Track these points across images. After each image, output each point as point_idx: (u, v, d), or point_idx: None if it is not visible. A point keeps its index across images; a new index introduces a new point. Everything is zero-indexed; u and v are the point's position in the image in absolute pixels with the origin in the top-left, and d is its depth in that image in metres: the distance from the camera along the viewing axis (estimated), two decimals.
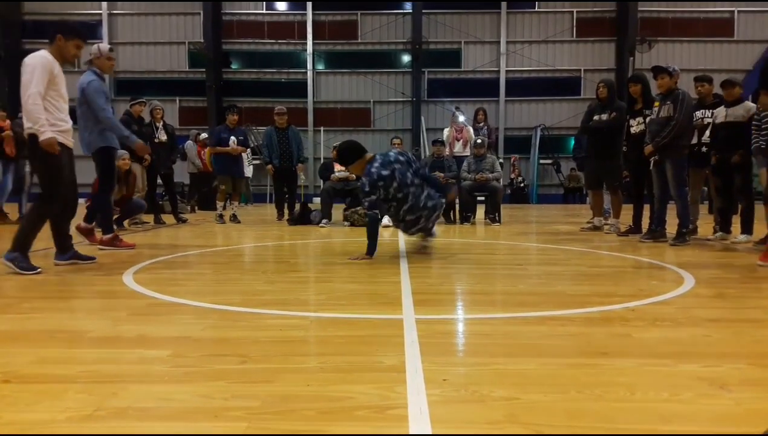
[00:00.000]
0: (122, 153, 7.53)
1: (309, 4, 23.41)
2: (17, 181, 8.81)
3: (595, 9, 23.15)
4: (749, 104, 5.90)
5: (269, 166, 9.30)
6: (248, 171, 14.24)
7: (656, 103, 5.91)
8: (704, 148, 6.25)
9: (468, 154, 9.37)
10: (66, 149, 4.08)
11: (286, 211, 9.46)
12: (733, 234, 6.13)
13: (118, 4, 23.62)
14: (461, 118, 9.73)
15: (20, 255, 3.87)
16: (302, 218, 8.62)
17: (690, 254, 5.07)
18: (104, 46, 5.19)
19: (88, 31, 22.91)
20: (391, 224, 8.24)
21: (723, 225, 6.30)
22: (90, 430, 1.43)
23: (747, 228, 5.94)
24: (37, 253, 4.72)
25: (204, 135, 13.17)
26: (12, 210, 8.94)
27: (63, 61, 4.11)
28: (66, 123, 4.10)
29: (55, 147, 3.90)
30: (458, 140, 9.51)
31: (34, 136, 3.86)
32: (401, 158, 4.69)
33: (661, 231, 6.01)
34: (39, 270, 3.86)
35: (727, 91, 5.97)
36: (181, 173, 12.57)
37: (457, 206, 8.88)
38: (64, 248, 4.31)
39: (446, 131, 9.93)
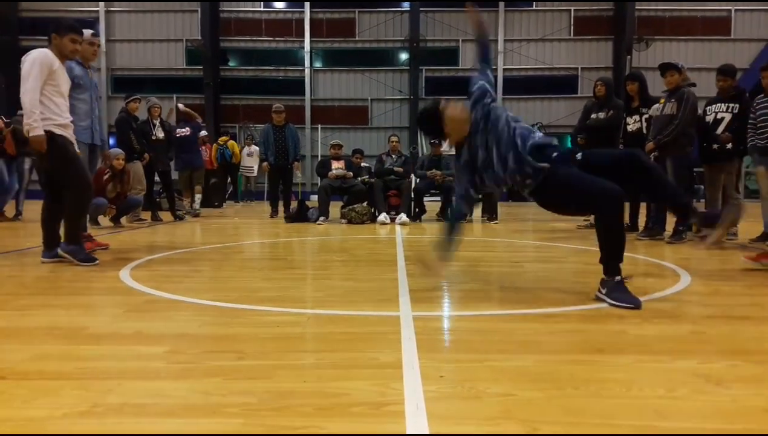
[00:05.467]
0: (117, 152, 7.54)
1: (307, 2, 23.37)
2: (18, 179, 8.79)
3: (592, 8, 23.14)
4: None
5: (265, 164, 9.38)
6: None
7: (662, 100, 5.89)
8: (715, 145, 5.94)
9: (454, 152, 9.39)
10: (70, 143, 4.19)
11: (281, 208, 9.49)
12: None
13: (115, 1, 23.54)
14: None
15: (76, 247, 4.10)
16: (299, 216, 8.62)
17: (686, 251, 5.09)
18: (87, 31, 4.98)
19: (83, 26, 22.85)
20: (388, 221, 8.27)
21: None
22: (86, 426, 1.43)
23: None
24: (31, 249, 4.72)
25: (204, 132, 13.26)
26: (8, 208, 8.91)
27: (64, 59, 4.21)
28: (63, 118, 4.14)
29: (43, 145, 3.96)
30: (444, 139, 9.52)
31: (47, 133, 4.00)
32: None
33: (657, 229, 6.03)
34: (97, 261, 4.09)
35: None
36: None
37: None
38: (51, 245, 4.27)
39: None
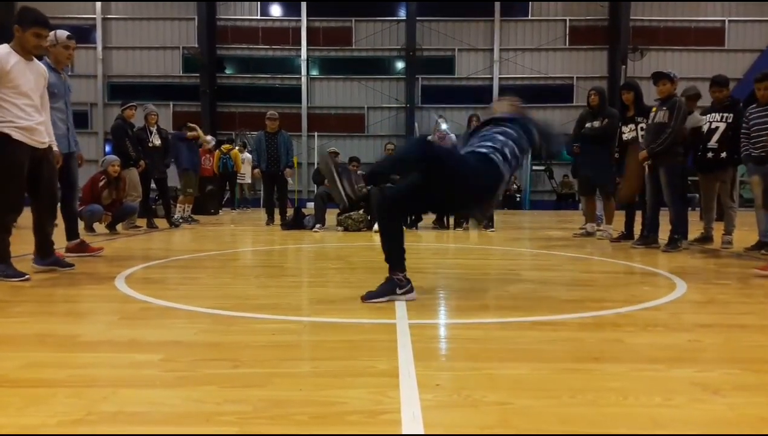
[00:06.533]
0: (113, 159, 7.55)
1: (303, 11, 23.47)
2: None
3: (588, 17, 23.32)
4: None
5: (256, 170, 9.51)
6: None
7: (654, 109, 5.93)
8: (710, 154, 5.95)
9: None
10: (27, 148, 3.73)
11: (276, 215, 9.49)
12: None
13: (112, 8, 23.59)
14: (443, 126, 9.81)
15: (1, 265, 3.72)
16: (296, 223, 8.61)
17: (682, 260, 5.10)
18: (62, 32, 4.62)
19: (80, 33, 22.96)
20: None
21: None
22: (80, 434, 1.42)
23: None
24: (24, 256, 4.69)
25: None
26: None
27: (27, 54, 3.79)
28: (27, 120, 3.72)
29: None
30: None
31: None
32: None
33: (653, 237, 6.04)
34: (27, 276, 3.72)
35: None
36: (174, 178, 12.59)
37: None
38: (44, 253, 4.14)
39: (429, 139, 10.02)
